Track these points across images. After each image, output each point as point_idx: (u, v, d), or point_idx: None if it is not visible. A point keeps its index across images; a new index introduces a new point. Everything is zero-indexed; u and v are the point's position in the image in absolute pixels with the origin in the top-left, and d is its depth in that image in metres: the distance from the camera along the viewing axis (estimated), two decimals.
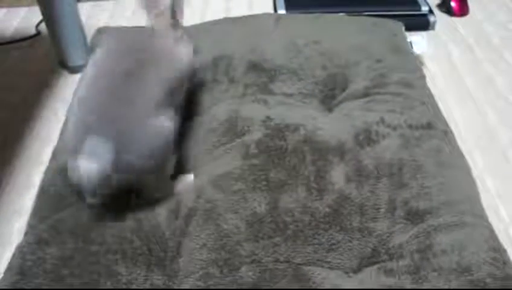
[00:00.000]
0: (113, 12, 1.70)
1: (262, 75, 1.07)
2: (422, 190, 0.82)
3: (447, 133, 0.95)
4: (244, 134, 0.92)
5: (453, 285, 0.70)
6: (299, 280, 0.73)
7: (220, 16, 1.35)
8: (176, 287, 0.74)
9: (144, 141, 0.76)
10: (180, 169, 0.89)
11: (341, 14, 1.43)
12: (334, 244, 0.78)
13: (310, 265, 0.76)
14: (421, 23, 1.58)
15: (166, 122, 0.80)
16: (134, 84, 0.78)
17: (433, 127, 0.94)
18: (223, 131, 0.93)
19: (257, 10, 1.61)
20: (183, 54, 0.90)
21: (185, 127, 0.96)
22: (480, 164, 1.15)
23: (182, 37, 0.91)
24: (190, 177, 0.88)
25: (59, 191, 0.85)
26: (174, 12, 0.90)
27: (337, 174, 0.85)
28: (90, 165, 0.73)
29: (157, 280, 0.75)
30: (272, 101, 1.00)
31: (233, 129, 0.93)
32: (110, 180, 0.75)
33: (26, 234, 0.82)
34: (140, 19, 1.69)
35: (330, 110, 1.03)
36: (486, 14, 1.70)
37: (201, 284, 0.73)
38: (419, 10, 1.59)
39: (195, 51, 0.96)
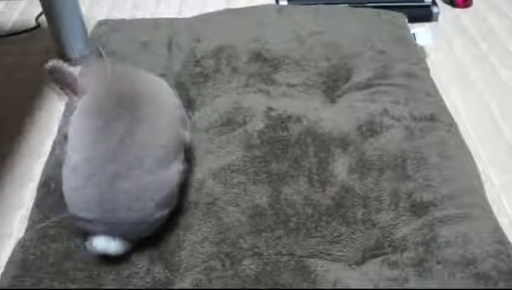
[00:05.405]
0: (113, 4, 1.69)
1: (265, 65, 1.06)
2: (426, 182, 0.82)
3: (451, 125, 0.95)
4: (246, 124, 0.91)
5: (457, 278, 0.70)
6: (302, 272, 0.73)
7: (221, 7, 1.34)
8: (177, 281, 0.74)
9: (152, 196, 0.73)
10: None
11: (344, 5, 1.42)
12: (337, 236, 0.77)
13: (312, 257, 0.75)
14: (424, 15, 1.57)
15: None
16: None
17: (437, 119, 0.94)
18: (224, 121, 0.92)
19: (258, 1, 1.59)
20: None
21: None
22: (484, 156, 1.14)
23: None
24: None
25: (60, 186, 0.84)
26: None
27: (340, 166, 0.84)
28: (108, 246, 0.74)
29: (159, 273, 0.74)
30: (274, 92, 0.99)
31: (235, 120, 0.92)
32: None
33: (28, 229, 0.81)
34: (140, 11, 1.67)
35: (333, 101, 1.02)
36: (489, 5, 1.68)
37: (203, 278, 0.73)
38: (423, 1, 1.58)
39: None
